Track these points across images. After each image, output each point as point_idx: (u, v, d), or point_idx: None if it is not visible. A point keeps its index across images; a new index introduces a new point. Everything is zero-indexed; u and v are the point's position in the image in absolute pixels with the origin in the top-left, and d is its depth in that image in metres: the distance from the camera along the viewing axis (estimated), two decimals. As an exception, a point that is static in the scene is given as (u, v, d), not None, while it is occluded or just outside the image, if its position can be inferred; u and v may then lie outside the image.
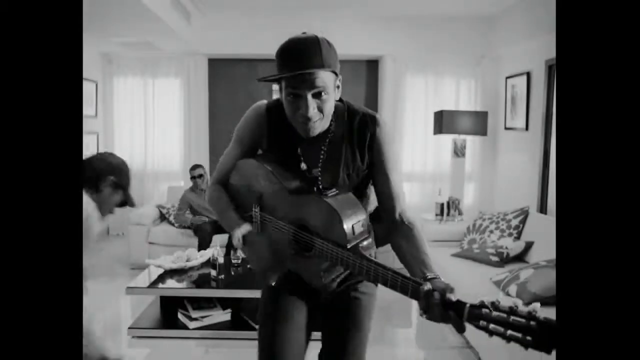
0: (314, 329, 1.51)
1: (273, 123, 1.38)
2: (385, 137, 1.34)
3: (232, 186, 1.47)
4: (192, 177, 4.52)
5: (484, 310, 0.98)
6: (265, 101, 1.42)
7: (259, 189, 1.39)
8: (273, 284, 1.34)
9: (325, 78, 1.21)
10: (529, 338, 0.92)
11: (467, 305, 1.01)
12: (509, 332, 0.94)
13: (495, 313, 0.96)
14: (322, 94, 1.22)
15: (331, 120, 1.33)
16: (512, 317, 0.94)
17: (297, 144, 1.36)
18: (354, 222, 1.23)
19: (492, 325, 0.96)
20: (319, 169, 1.35)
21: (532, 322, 0.92)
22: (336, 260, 1.21)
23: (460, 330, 1.03)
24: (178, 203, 4.57)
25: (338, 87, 1.28)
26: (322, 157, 1.34)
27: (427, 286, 1.07)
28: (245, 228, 1.35)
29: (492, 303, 0.97)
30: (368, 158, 1.35)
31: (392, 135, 1.36)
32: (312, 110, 1.22)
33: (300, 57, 1.18)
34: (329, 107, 1.26)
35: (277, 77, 1.22)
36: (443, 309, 1.04)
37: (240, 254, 3.58)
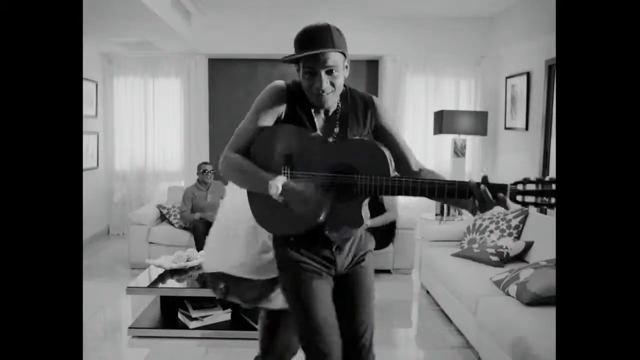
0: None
1: (292, 99, 1.55)
2: (383, 107, 1.61)
3: (253, 154, 1.55)
4: (203, 171, 4.53)
5: (519, 185, 1.26)
6: (282, 81, 1.59)
7: (287, 150, 1.51)
8: (322, 218, 1.44)
9: (335, 58, 1.44)
10: (553, 201, 1.22)
11: (509, 185, 1.28)
12: (540, 199, 1.22)
13: (528, 186, 1.24)
14: (334, 71, 1.44)
15: (338, 102, 1.55)
16: (540, 186, 1.22)
17: (315, 115, 1.55)
18: (389, 156, 1.45)
19: (527, 198, 1.25)
20: (334, 135, 1.55)
21: (554, 186, 1.20)
22: (382, 188, 1.42)
23: (508, 207, 1.30)
24: (181, 202, 4.56)
25: (346, 67, 1.51)
26: (336, 127, 1.56)
27: (472, 181, 1.33)
28: (282, 178, 1.44)
29: (523, 179, 1.25)
30: (370, 123, 1.58)
31: (387, 107, 1.66)
32: (325, 84, 1.44)
33: (315, 40, 1.42)
34: (339, 83, 1.48)
35: (296, 57, 1.45)
36: (491, 194, 1.29)
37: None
